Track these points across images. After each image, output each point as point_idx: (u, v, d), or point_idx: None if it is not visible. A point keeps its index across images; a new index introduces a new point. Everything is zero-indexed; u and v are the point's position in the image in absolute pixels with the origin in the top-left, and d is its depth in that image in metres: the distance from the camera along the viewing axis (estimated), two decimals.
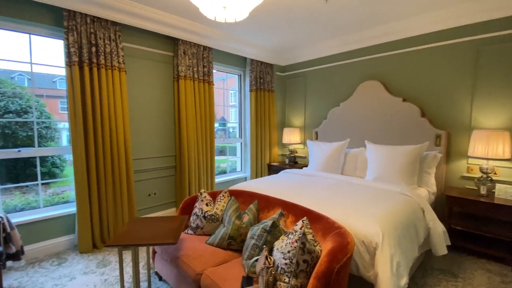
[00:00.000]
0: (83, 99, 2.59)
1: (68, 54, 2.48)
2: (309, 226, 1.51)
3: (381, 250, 1.59)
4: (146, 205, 3.29)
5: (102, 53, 2.65)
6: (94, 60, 2.61)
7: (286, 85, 4.78)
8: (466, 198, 2.52)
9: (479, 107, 2.75)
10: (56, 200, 4.07)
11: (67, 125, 2.86)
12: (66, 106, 2.66)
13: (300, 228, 1.44)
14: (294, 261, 1.33)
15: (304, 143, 4.52)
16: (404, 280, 1.63)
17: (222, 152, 5.30)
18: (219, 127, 5.14)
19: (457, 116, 2.90)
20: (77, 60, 2.52)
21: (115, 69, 2.75)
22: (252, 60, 4.16)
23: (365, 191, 2.41)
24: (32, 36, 2.51)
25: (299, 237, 1.36)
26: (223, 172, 4.49)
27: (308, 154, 4.39)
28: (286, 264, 1.35)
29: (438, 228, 2.22)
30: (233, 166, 4.70)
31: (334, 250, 1.31)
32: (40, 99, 4.41)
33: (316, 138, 4.17)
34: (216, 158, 3.88)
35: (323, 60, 4.11)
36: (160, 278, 2.18)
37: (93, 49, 2.60)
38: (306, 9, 2.83)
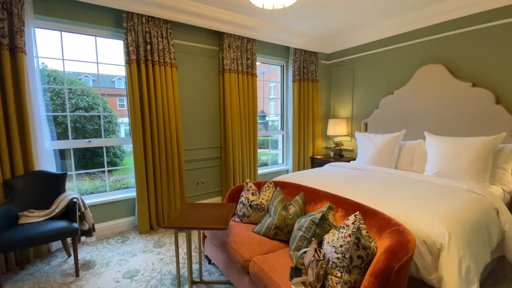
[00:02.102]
0: (140, 93, 2.82)
1: (127, 53, 2.70)
2: (362, 221, 1.42)
3: (447, 252, 1.43)
4: (194, 193, 3.48)
5: (156, 50, 2.83)
6: (149, 57, 2.81)
7: (332, 73, 4.56)
8: None
9: None
10: (118, 186, 4.58)
11: (124, 119, 3.17)
12: (124, 103, 2.94)
13: (353, 223, 1.37)
14: (347, 256, 1.27)
15: (351, 135, 4.28)
16: (475, 287, 1.44)
17: (262, 145, 5.32)
18: (259, 120, 5.20)
19: None
20: (135, 58, 2.73)
21: (167, 65, 2.92)
22: (295, 49, 4.05)
23: (425, 187, 2.18)
24: (97, 38, 2.79)
25: (353, 231, 1.29)
26: (265, 164, 4.52)
27: (356, 146, 4.15)
28: (338, 258, 1.30)
29: None
30: (274, 159, 4.69)
31: (393, 248, 1.21)
32: (103, 97, 4.96)
33: (366, 130, 3.91)
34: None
35: (374, 45, 3.79)
36: (210, 262, 2.29)
37: (148, 47, 2.79)
38: None
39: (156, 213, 3.02)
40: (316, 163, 4.34)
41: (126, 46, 2.69)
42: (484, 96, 2.70)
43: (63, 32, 2.62)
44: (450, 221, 1.58)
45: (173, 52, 2.97)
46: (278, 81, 4.43)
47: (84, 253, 2.50)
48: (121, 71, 2.94)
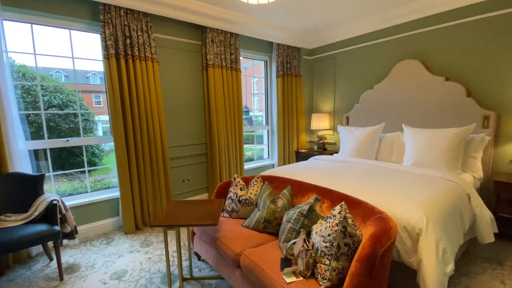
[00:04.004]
0: (121, 89, 2.72)
1: (106, 47, 2.59)
2: (348, 211, 1.48)
3: (425, 235, 1.53)
4: (180, 191, 3.44)
5: (136, 45, 2.74)
6: (129, 52, 2.71)
7: (314, 69, 4.63)
8: None
9: None
10: (98, 186, 4.41)
11: (102, 117, 3.04)
12: (100, 100, 2.82)
13: (339, 213, 1.43)
14: (335, 244, 1.32)
15: (334, 128, 4.40)
16: (450, 267, 1.56)
17: (247, 140, 5.34)
18: (243, 116, 5.21)
19: (509, 95, 2.63)
20: (114, 52, 2.63)
21: (148, 60, 2.84)
22: (278, 44, 4.07)
23: (403, 177, 2.30)
24: (72, 31, 2.65)
25: (340, 220, 1.34)
26: (250, 159, 4.54)
27: (339, 140, 4.28)
28: (326, 247, 1.35)
29: (486, 215, 2.09)
30: (260, 154, 4.73)
31: (377, 234, 1.28)
32: (78, 93, 4.72)
33: (347, 123, 4.03)
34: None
35: (354, 41, 3.90)
36: (199, 258, 2.30)
37: (128, 41, 2.70)
38: None
39: (142, 212, 2.96)
40: (301, 157, 4.43)
41: (104, 40, 2.58)
42: (456, 89, 2.87)
43: (34, 25, 2.46)
44: (427, 207, 1.69)
45: (154, 46, 2.88)
46: (262, 76, 4.44)
47: (67, 256, 2.41)
48: (97, 66, 2.82)
